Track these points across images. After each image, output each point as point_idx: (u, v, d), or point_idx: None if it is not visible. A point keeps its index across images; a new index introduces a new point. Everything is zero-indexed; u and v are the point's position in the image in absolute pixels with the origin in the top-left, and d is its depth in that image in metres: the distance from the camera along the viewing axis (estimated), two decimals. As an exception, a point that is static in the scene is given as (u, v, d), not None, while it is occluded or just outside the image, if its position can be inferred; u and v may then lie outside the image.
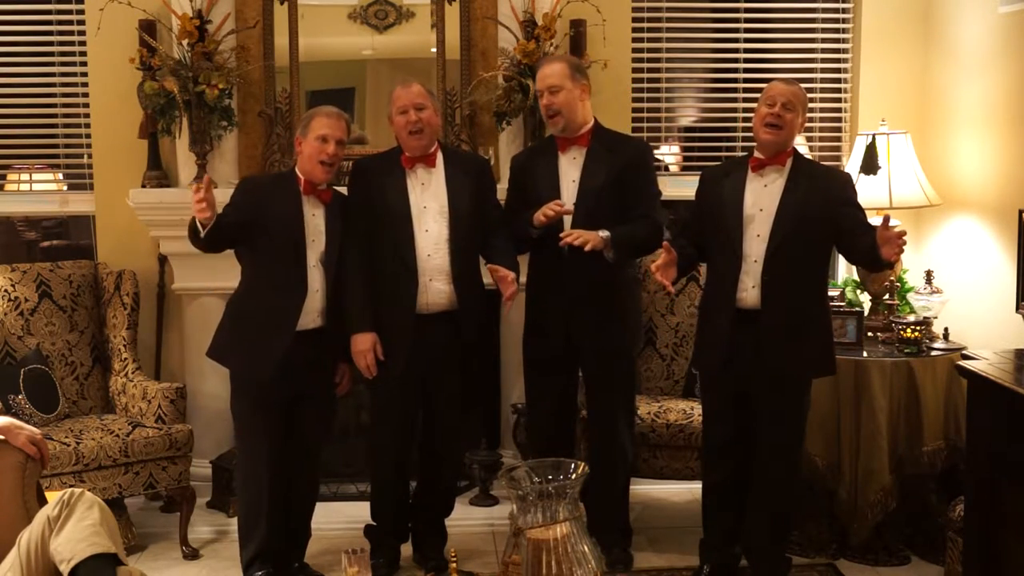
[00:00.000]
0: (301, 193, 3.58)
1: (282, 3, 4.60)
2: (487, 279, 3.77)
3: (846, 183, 3.57)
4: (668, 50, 4.98)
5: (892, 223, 3.29)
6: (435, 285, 3.65)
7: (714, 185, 3.62)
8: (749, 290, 3.47)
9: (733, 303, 3.48)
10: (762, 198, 3.48)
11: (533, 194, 3.72)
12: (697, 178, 3.76)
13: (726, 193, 3.54)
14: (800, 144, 4.94)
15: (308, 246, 3.57)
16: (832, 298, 4.00)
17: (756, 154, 3.53)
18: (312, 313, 3.58)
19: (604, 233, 3.59)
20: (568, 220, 3.67)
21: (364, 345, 3.62)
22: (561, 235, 3.58)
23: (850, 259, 3.80)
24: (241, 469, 3.76)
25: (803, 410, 3.60)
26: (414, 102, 3.63)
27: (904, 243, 3.28)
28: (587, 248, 3.55)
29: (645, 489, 4.59)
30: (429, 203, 3.67)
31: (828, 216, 3.43)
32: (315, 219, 3.60)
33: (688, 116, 5.23)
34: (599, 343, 3.75)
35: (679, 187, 4.92)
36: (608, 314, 3.74)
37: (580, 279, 3.69)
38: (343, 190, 3.75)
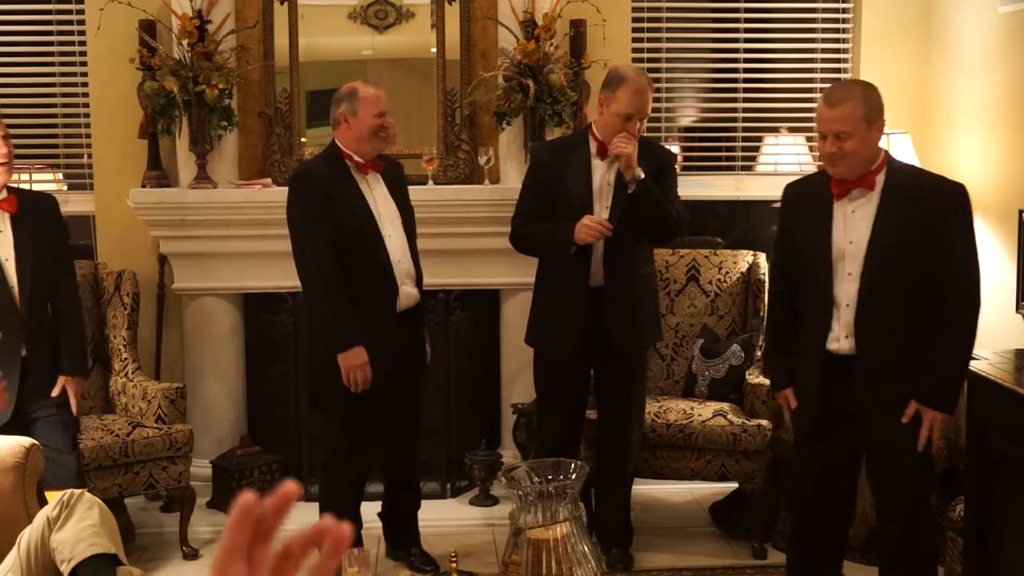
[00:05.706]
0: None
1: (282, 3, 4.60)
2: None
3: (956, 196, 2.92)
4: (668, 50, 4.98)
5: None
6: (405, 289, 3.66)
7: (797, 213, 3.10)
8: (842, 340, 2.97)
9: (823, 352, 2.98)
10: (853, 229, 2.93)
11: (560, 195, 3.68)
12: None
13: (810, 224, 3.00)
14: (801, 144, 4.96)
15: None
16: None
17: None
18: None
19: (641, 173, 3.58)
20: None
21: (359, 360, 3.50)
22: (616, 140, 3.55)
23: None
24: None
25: (926, 461, 3.08)
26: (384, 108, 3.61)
27: None
28: (632, 168, 3.54)
29: (645, 489, 4.58)
30: (382, 209, 3.65)
31: (932, 241, 2.88)
32: (3, 235, 3.55)
33: (688, 116, 5.22)
34: (618, 340, 3.72)
35: (679, 187, 4.92)
36: (626, 310, 3.71)
37: (597, 275, 3.68)
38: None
